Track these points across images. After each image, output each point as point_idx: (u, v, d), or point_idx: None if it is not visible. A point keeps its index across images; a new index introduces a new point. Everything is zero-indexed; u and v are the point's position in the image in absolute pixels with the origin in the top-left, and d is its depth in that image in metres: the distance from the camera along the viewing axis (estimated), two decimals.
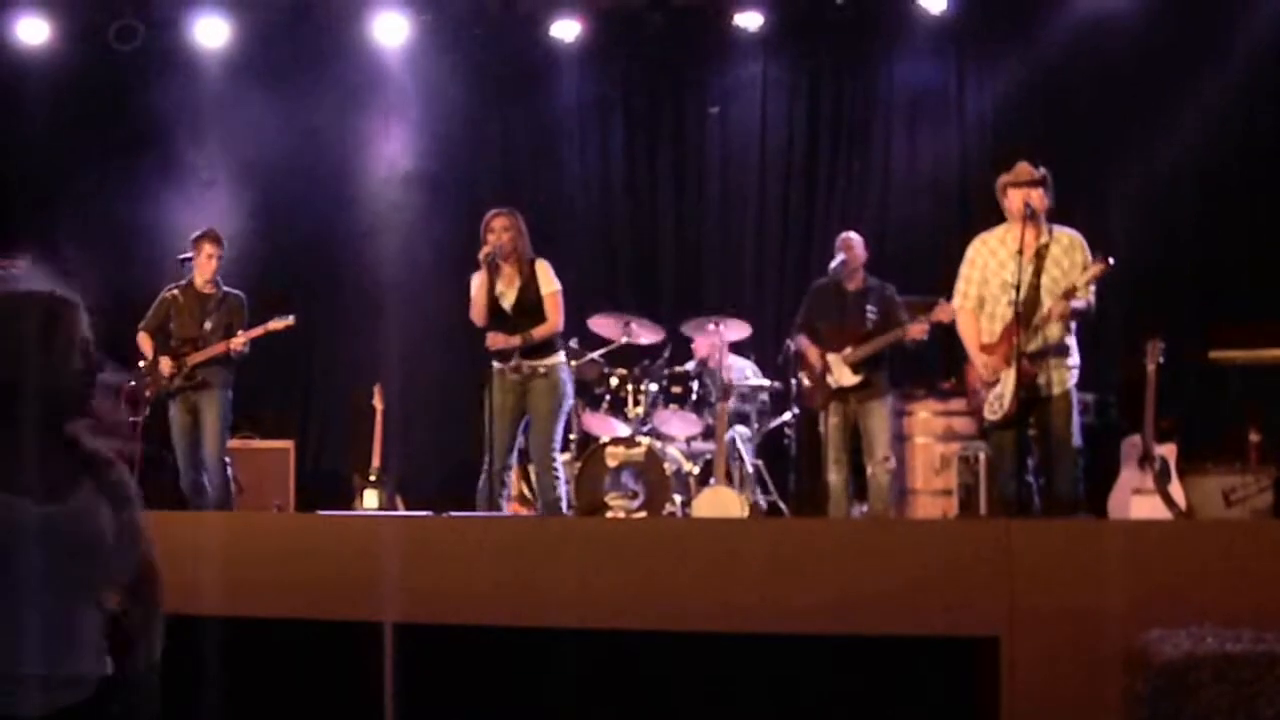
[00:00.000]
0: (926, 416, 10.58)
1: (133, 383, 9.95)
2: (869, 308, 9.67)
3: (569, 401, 9.35)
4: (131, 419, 9.86)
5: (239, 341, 9.84)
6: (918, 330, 9.38)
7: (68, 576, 3.44)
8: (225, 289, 10.11)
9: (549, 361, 9.16)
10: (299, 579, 6.31)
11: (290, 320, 10.00)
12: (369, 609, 6.14)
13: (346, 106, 12.77)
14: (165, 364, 9.88)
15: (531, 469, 9.28)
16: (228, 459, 10.04)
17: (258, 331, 9.93)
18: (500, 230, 9.05)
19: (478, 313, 9.09)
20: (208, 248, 10.02)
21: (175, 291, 10.07)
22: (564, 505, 9.28)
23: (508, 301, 9.11)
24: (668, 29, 12.43)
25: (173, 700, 3.56)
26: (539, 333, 9.07)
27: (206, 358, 9.86)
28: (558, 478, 9.17)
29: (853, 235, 10.01)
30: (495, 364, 9.16)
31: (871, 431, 9.63)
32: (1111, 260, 7.86)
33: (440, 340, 10.92)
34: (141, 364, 9.98)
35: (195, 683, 6.16)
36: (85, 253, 11.99)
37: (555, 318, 9.15)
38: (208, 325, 9.95)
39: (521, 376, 9.07)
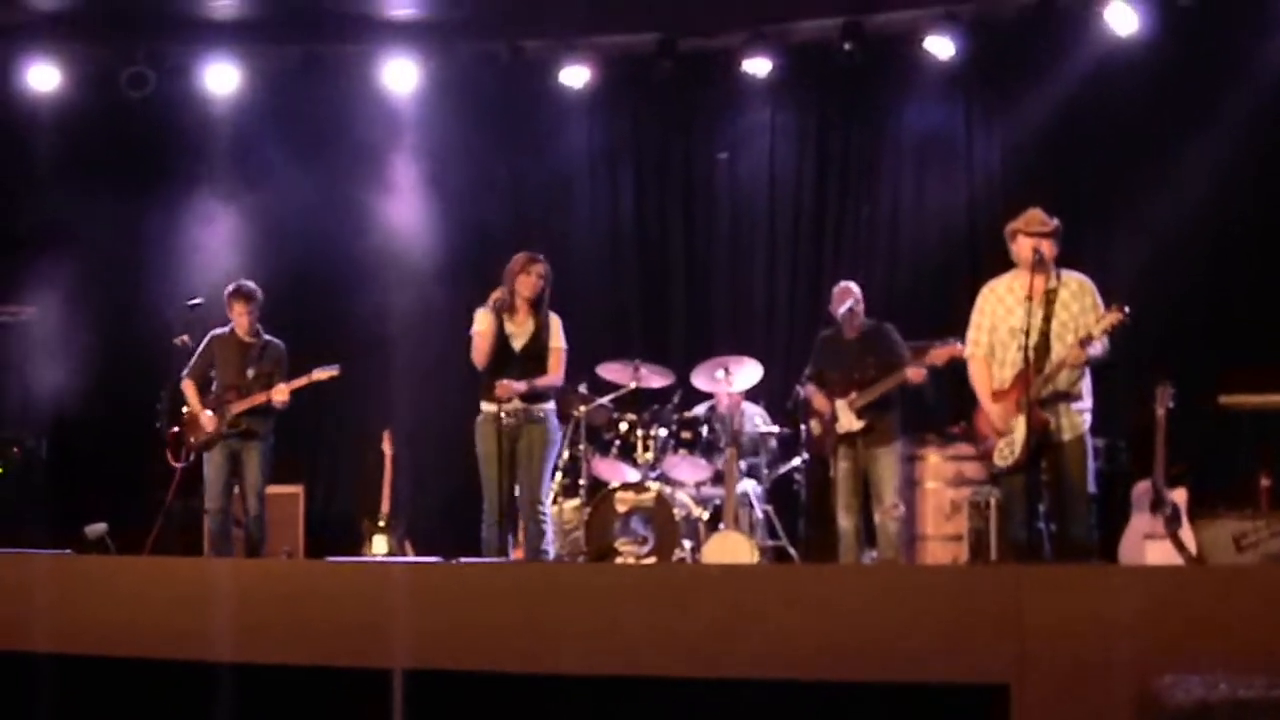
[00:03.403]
0: (936, 461, 10.56)
1: (175, 429, 9.99)
2: (869, 354, 9.69)
3: (558, 448, 9.46)
4: (175, 465, 9.88)
5: (281, 396, 9.84)
6: (914, 374, 9.42)
7: None
8: (266, 337, 10.14)
9: (544, 407, 9.25)
10: (308, 625, 6.29)
11: (335, 370, 10.00)
12: (378, 655, 6.12)
13: (356, 152, 12.81)
14: (210, 421, 9.89)
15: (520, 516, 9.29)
16: (264, 506, 10.04)
17: (301, 382, 9.94)
18: (537, 277, 9.11)
19: (481, 354, 9.11)
20: (238, 306, 10.02)
21: (217, 339, 10.09)
22: (550, 555, 9.29)
23: (518, 343, 9.15)
24: (677, 75, 12.49)
25: None
26: (543, 383, 9.18)
27: (249, 406, 9.86)
28: (545, 525, 9.20)
29: (850, 285, 10.03)
30: (486, 408, 9.18)
31: (880, 479, 9.62)
32: (1128, 309, 7.85)
33: (450, 385, 10.93)
34: (185, 411, 10.00)
35: None
36: (96, 298, 12.04)
37: (559, 372, 9.29)
38: (250, 373, 9.98)
39: (517, 421, 9.09)
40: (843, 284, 10.09)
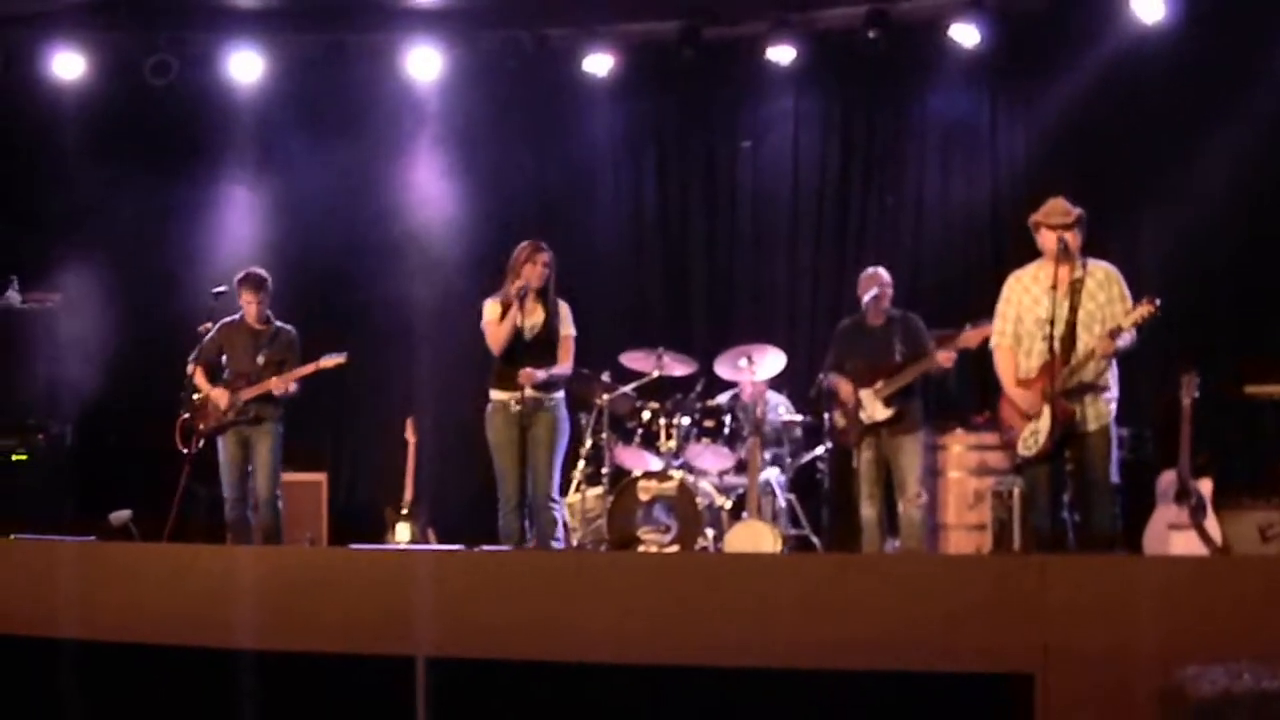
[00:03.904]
0: (960, 451, 10.54)
1: (185, 416, 9.99)
2: (896, 340, 9.68)
3: (568, 437, 9.49)
4: (184, 451, 9.88)
5: (285, 382, 9.85)
6: (945, 358, 9.42)
7: None
8: (278, 324, 10.15)
9: (554, 396, 9.33)
10: (331, 613, 6.31)
11: (342, 358, 9.99)
12: (401, 643, 6.13)
13: (379, 140, 12.83)
14: (222, 397, 9.90)
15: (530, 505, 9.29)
16: (279, 492, 10.05)
17: (308, 369, 9.94)
18: (543, 266, 9.16)
19: (498, 341, 9.15)
20: (245, 294, 10.03)
21: (227, 325, 10.11)
22: (561, 545, 9.33)
23: (531, 333, 9.18)
24: (700, 63, 12.44)
25: None
26: (557, 371, 9.28)
27: (258, 393, 9.88)
28: (556, 515, 9.23)
29: (881, 271, 10.01)
30: (496, 396, 9.25)
31: (903, 468, 9.62)
32: (1158, 302, 7.81)
33: (473, 373, 10.95)
34: (195, 397, 10.01)
35: (229, 717, 6.17)
36: (121, 285, 12.07)
37: (569, 360, 9.37)
38: (260, 360, 9.98)
39: (527, 409, 9.12)
40: (871, 270, 10.07)
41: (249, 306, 10.05)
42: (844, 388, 9.80)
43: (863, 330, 9.91)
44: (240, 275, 10.13)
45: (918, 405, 9.75)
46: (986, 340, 8.81)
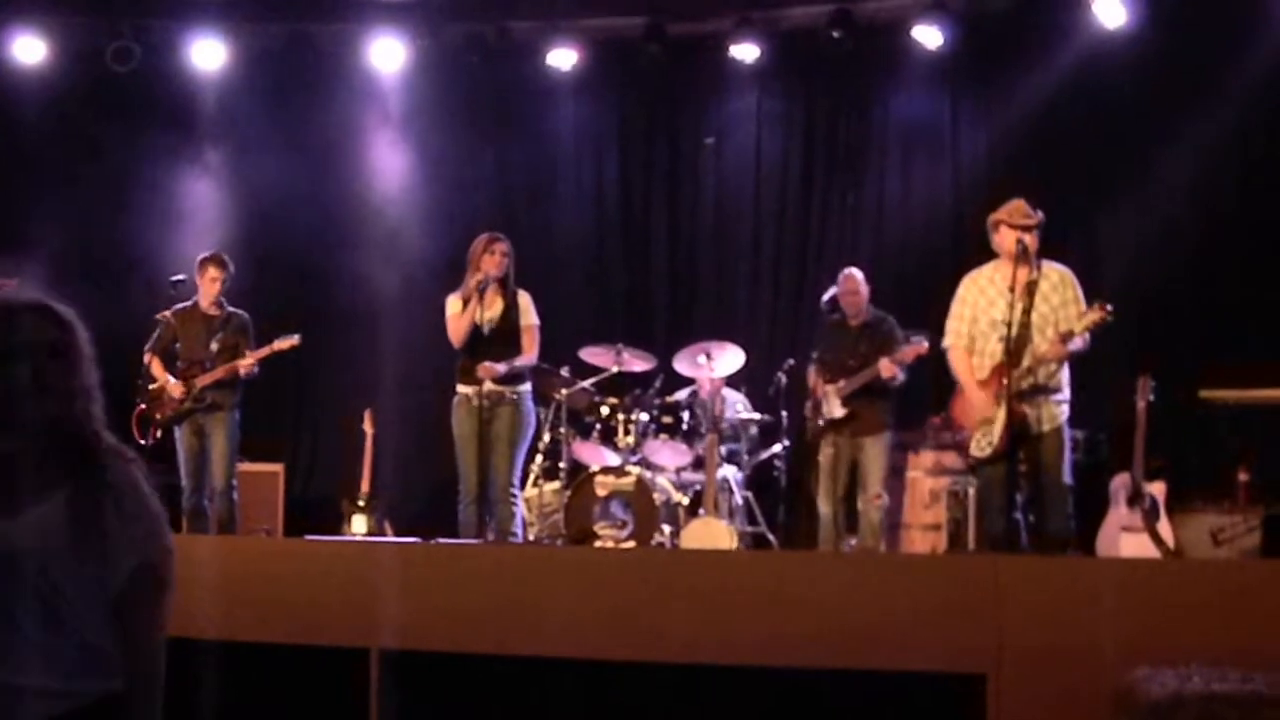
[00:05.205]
0: (918, 451, 10.57)
1: (141, 406, 9.96)
2: (864, 343, 9.72)
3: (531, 431, 9.45)
4: (140, 442, 9.85)
5: (248, 363, 9.84)
6: (885, 369, 9.44)
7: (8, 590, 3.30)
8: (230, 309, 10.12)
9: (518, 389, 9.27)
10: (286, 604, 6.30)
11: (296, 339, 10.00)
12: (356, 635, 6.12)
13: (342, 131, 12.79)
14: (176, 387, 9.87)
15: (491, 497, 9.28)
16: (234, 482, 10.02)
17: (264, 352, 9.92)
18: (501, 255, 9.14)
19: (459, 335, 9.16)
20: (211, 271, 10.01)
21: (179, 313, 10.07)
22: (519, 537, 9.32)
23: (490, 325, 9.17)
24: (664, 59, 12.45)
25: None
26: (521, 362, 9.24)
27: (214, 379, 9.86)
28: (515, 508, 9.22)
29: (855, 272, 10.02)
30: (461, 390, 9.25)
31: (865, 468, 9.65)
32: (1110, 307, 7.83)
33: (432, 365, 10.96)
34: (151, 387, 9.97)
35: (181, 707, 6.14)
36: (79, 272, 12.00)
37: (533, 350, 9.32)
38: (214, 346, 9.95)
39: (489, 402, 9.10)
40: (846, 271, 10.06)
41: (211, 285, 10.02)
42: (812, 378, 9.89)
43: (840, 327, 9.97)
44: (206, 254, 10.13)
45: (884, 407, 9.74)
46: (919, 357, 8.99)
